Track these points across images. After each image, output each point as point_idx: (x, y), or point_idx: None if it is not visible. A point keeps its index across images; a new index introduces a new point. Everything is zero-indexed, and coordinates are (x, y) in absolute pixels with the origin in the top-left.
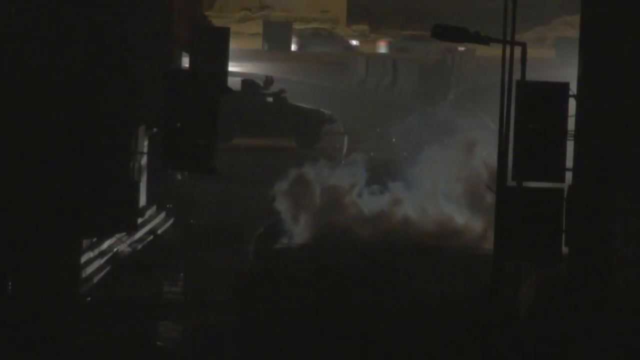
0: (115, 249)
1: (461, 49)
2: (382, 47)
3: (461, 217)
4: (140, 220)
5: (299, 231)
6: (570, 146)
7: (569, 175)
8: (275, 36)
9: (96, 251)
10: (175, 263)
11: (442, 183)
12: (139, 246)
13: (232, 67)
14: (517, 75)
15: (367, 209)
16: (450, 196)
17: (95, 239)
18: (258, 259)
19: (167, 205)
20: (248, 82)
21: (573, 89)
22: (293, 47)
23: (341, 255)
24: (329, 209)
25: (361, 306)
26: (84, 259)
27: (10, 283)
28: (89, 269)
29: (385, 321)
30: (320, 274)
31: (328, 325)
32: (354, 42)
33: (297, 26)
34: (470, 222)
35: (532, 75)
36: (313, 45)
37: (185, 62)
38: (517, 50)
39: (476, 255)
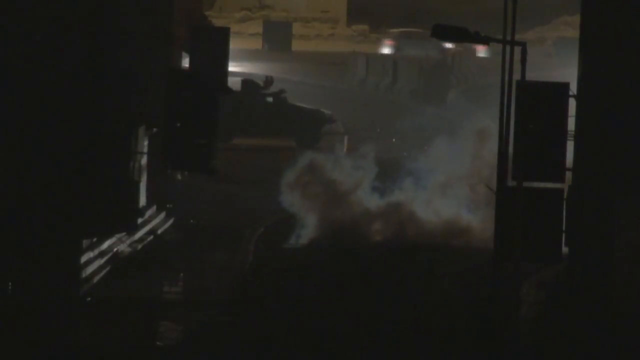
0: (115, 249)
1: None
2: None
3: (469, 215)
4: (140, 220)
5: (303, 228)
6: (570, 146)
7: (569, 175)
8: (275, 36)
9: (96, 251)
10: (175, 263)
11: (448, 180)
12: (139, 246)
13: (232, 67)
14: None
15: (372, 207)
16: (457, 193)
17: (95, 239)
18: (258, 259)
19: (167, 205)
20: (248, 82)
21: (573, 89)
22: (387, 50)
23: (345, 255)
24: (334, 206)
25: (362, 306)
26: (84, 259)
27: (10, 283)
28: (89, 269)
29: (386, 320)
30: (321, 274)
31: (329, 324)
32: (449, 45)
33: (393, 30)
34: (477, 220)
35: (532, 75)
36: (408, 48)
37: (186, 62)
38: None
39: (481, 254)
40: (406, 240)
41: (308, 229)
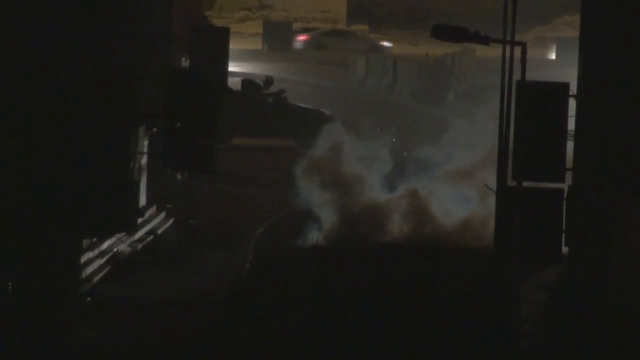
0: (115, 249)
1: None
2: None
3: (469, 210)
4: (140, 220)
5: (305, 227)
6: (570, 146)
7: (569, 175)
8: (275, 36)
9: (96, 251)
10: (175, 263)
11: (453, 176)
12: (139, 246)
13: (232, 67)
14: (517, 76)
15: (377, 204)
16: (461, 189)
17: (95, 239)
18: (258, 259)
19: (167, 205)
20: (248, 82)
21: (573, 89)
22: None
23: (348, 253)
24: (336, 204)
25: (362, 306)
26: (84, 259)
27: (10, 283)
28: (89, 269)
29: (387, 320)
30: (323, 272)
31: (329, 322)
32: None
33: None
34: (481, 216)
35: (532, 75)
36: None
37: (186, 62)
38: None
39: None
40: (411, 239)
41: (309, 227)
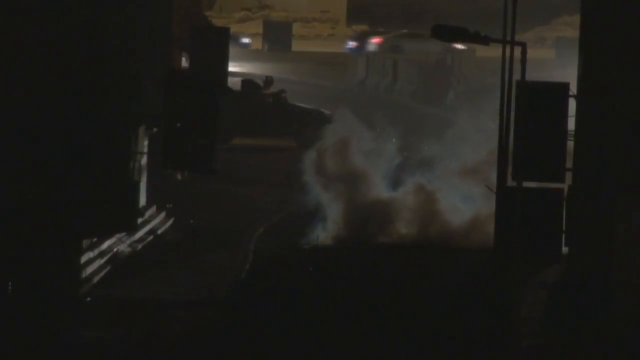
0: (115, 249)
1: (460, 47)
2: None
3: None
4: (140, 220)
5: (305, 226)
6: (570, 146)
7: (568, 175)
8: (275, 36)
9: (96, 251)
10: (175, 263)
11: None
12: (139, 246)
13: (232, 67)
14: (517, 76)
15: (379, 204)
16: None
17: (95, 239)
18: (258, 259)
19: (167, 205)
20: (248, 82)
21: (573, 89)
22: None
23: (349, 253)
24: (338, 203)
25: (362, 305)
26: (84, 259)
27: (10, 283)
28: (89, 269)
29: (387, 319)
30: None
31: (329, 322)
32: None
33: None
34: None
35: (532, 75)
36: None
37: (186, 62)
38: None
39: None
40: (413, 237)
41: (310, 226)
